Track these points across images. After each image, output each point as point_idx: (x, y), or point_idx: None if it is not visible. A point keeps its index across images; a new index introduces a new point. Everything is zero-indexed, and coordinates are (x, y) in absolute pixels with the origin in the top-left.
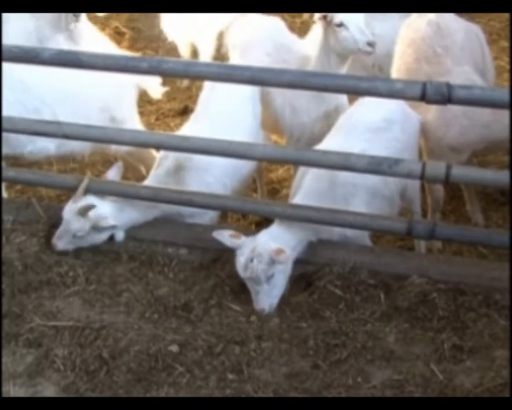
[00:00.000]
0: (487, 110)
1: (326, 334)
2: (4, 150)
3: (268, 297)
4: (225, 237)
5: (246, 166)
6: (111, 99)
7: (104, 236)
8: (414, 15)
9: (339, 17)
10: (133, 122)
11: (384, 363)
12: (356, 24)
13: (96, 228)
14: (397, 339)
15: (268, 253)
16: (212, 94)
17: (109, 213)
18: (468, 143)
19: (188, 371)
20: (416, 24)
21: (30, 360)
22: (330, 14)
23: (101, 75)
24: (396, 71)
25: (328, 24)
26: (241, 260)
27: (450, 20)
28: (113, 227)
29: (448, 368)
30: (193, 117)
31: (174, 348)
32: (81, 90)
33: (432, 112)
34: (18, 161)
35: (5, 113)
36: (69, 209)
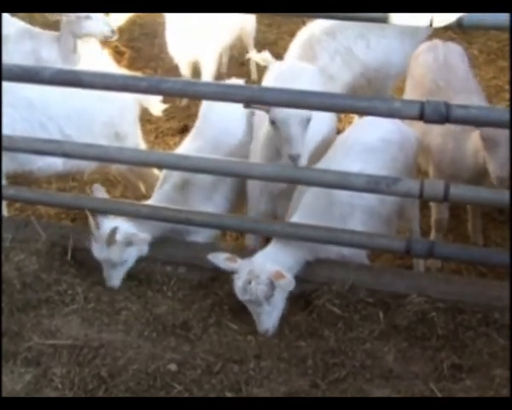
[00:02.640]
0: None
1: (325, 353)
2: (13, 167)
3: (270, 318)
4: (220, 260)
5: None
6: (115, 115)
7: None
8: (421, 47)
9: (274, 113)
10: (135, 138)
11: (383, 382)
12: (287, 130)
13: (130, 244)
14: (396, 358)
15: (266, 273)
16: (210, 110)
17: (131, 229)
18: (456, 172)
19: (186, 389)
20: (423, 59)
21: (28, 378)
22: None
23: (105, 91)
24: None
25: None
26: (238, 283)
27: (456, 56)
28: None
29: (447, 387)
30: (191, 133)
31: (173, 366)
32: (86, 105)
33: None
34: (17, 180)
35: (11, 131)
36: (98, 249)
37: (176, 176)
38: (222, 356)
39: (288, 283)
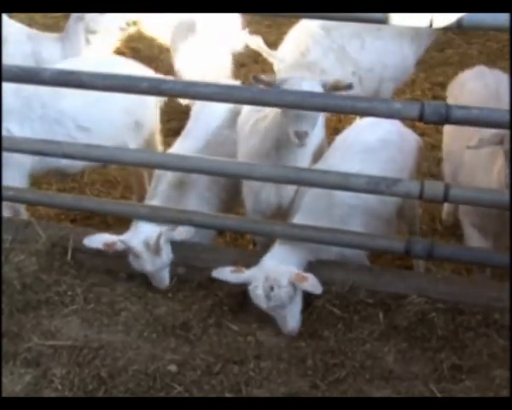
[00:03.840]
0: None
1: (325, 353)
2: (39, 166)
3: (293, 316)
4: (227, 274)
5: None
6: (135, 102)
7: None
8: (466, 74)
9: (285, 85)
10: (153, 129)
11: (383, 383)
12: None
13: (170, 239)
14: (396, 359)
15: (286, 277)
16: (201, 110)
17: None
18: None
19: (186, 390)
20: (472, 86)
21: (28, 379)
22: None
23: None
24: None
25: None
26: (258, 293)
27: (506, 86)
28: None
29: (447, 388)
30: (182, 133)
31: (172, 367)
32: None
33: None
34: None
35: (30, 131)
36: (149, 262)
37: (170, 175)
38: (222, 357)
39: (313, 284)
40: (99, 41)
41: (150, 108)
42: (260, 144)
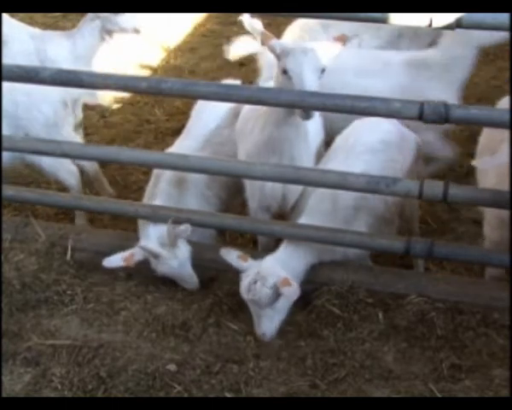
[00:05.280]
0: None
1: (324, 353)
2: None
3: (270, 322)
4: (233, 257)
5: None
6: (22, 118)
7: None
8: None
9: (285, 61)
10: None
11: (382, 382)
12: (300, 78)
13: (180, 235)
14: (395, 358)
15: (274, 278)
16: (201, 110)
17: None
18: None
19: (185, 390)
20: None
21: (27, 378)
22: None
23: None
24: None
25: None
26: (244, 282)
27: None
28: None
29: (446, 387)
30: (183, 133)
31: (172, 367)
32: None
33: None
34: (17, 180)
35: None
36: (171, 261)
37: (170, 173)
38: (221, 356)
39: (292, 291)
40: (113, 41)
41: (41, 121)
42: (260, 135)
